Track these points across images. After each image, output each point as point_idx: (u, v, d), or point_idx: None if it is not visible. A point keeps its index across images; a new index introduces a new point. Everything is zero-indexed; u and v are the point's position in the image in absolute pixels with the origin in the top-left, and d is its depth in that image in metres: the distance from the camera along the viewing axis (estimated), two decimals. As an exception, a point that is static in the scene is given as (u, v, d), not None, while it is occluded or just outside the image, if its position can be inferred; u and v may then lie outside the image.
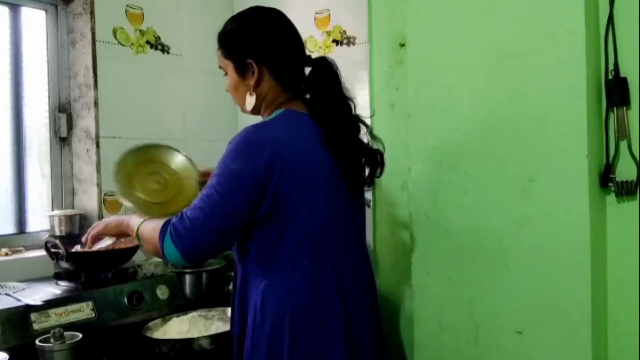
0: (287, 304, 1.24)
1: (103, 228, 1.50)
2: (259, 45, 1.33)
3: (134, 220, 1.39)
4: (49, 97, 1.98)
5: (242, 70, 1.35)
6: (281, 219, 1.24)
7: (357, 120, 1.37)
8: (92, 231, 1.51)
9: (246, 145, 1.23)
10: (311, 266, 1.26)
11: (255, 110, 1.40)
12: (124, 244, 1.66)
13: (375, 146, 1.42)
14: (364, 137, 1.41)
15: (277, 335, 1.23)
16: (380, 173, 1.41)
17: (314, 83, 1.36)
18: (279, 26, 1.37)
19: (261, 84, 1.34)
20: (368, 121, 1.43)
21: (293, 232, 1.25)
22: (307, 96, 1.38)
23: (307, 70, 1.39)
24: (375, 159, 1.39)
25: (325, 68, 1.36)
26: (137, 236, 1.35)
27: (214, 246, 1.23)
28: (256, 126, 1.27)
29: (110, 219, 1.51)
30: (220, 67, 1.41)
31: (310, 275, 1.26)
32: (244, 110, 1.42)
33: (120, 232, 1.46)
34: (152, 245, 1.28)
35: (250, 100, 1.36)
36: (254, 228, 1.26)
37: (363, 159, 1.38)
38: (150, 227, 1.31)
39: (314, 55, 1.40)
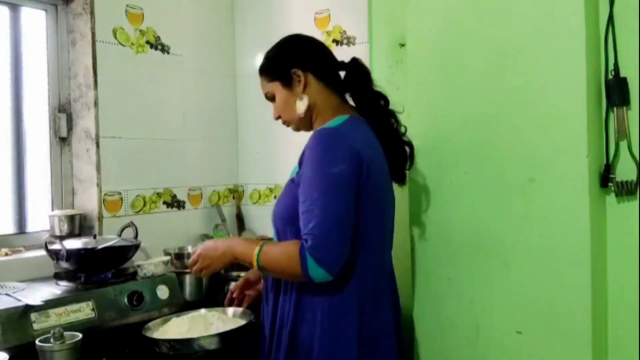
0: (352, 297, 1.36)
1: (215, 269, 1.50)
2: (299, 55, 1.46)
3: (244, 250, 1.41)
4: (49, 97, 1.98)
5: (288, 83, 1.45)
6: (359, 217, 1.34)
7: (394, 115, 1.52)
8: (200, 268, 1.50)
9: (338, 149, 1.32)
10: (373, 260, 1.41)
11: (306, 119, 1.47)
12: None
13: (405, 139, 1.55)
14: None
15: (344, 323, 1.34)
16: (411, 165, 1.56)
17: (355, 84, 1.50)
18: (310, 39, 1.52)
19: (308, 88, 1.44)
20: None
21: (362, 229, 1.35)
22: (348, 96, 1.51)
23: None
24: (412, 151, 1.54)
25: (362, 68, 1.50)
26: (260, 267, 1.37)
27: (348, 251, 1.30)
28: (335, 130, 1.36)
29: (208, 252, 1.48)
30: (267, 96, 1.51)
31: (372, 270, 1.41)
32: (298, 127, 1.50)
33: (226, 263, 1.48)
34: (288, 274, 1.34)
35: (301, 105, 1.44)
36: None
37: (406, 155, 1.53)
38: (277, 257, 1.35)
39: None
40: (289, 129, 1.55)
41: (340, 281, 1.34)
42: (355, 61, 1.51)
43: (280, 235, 1.44)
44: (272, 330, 1.44)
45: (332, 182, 1.29)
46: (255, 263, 1.37)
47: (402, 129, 1.54)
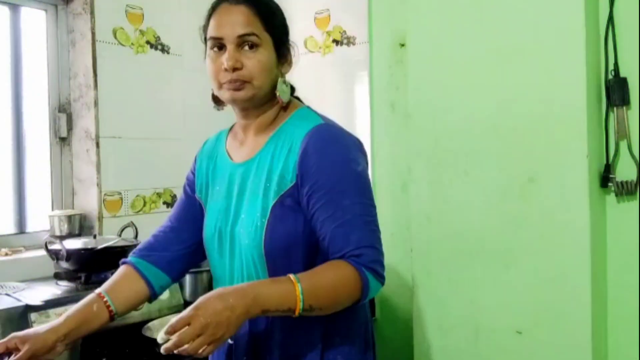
0: (364, 320, 1.18)
1: (225, 337, 0.96)
2: (288, 34, 1.18)
3: (276, 296, 0.98)
4: (49, 97, 1.98)
5: (281, 51, 1.14)
6: None
7: None
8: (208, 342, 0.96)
9: (351, 145, 1.11)
10: None
11: (268, 101, 1.15)
12: None
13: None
14: None
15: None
16: None
17: None
18: None
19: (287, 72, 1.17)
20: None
21: None
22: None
23: None
24: None
25: None
26: (305, 309, 0.98)
27: None
28: (335, 126, 1.13)
29: (218, 317, 0.94)
30: (244, 36, 1.09)
31: None
32: (251, 98, 1.13)
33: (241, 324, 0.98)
34: (342, 303, 1.04)
35: (287, 90, 1.15)
36: None
37: None
38: (330, 287, 1.02)
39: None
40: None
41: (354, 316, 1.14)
42: None
43: (278, 266, 1.08)
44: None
45: (359, 182, 1.08)
46: (300, 305, 0.98)
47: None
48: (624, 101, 1.45)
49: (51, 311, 1.44)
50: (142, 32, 2.11)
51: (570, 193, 1.43)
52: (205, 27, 1.17)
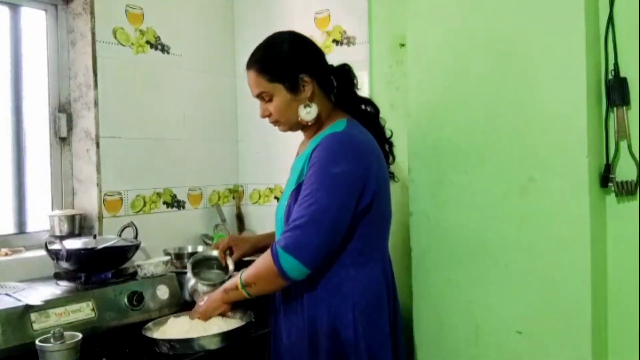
0: (382, 285, 1.42)
1: (207, 310, 1.48)
2: (305, 59, 1.44)
3: (229, 282, 1.45)
4: (49, 97, 1.98)
5: (294, 88, 1.42)
6: (372, 213, 1.38)
7: (380, 118, 1.57)
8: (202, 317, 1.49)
9: (345, 151, 1.34)
10: (387, 252, 1.50)
11: (300, 124, 1.47)
12: None
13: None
14: None
15: (378, 313, 1.40)
16: (393, 160, 1.61)
17: (344, 90, 1.52)
18: (307, 41, 1.50)
19: (314, 96, 1.43)
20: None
21: (377, 224, 1.42)
22: (334, 100, 1.52)
23: None
24: (391, 147, 1.60)
25: (351, 75, 1.52)
26: (242, 283, 1.40)
27: (330, 248, 1.33)
28: (345, 134, 1.38)
29: (207, 303, 1.48)
30: (260, 95, 1.45)
31: (388, 260, 1.50)
32: (290, 129, 1.49)
33: (222, 300, 1.46)
34: (267, 279, 1.36)
35: (310, 113, 1.43)
36: (353, 223, 1.37)
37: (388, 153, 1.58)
38: (255, 265, 1.39)
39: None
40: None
41: (370, 274, 1.40)
42: (346, 67, 1.53)
43: None
44: (300, 338, 1.42)
45: (328, 180, 1.31)
46: (239, 283, 1.40)
47: (388, 133, 1.59)
48: (624, 101, 1.45)
49: (51, 311, 1.44)
50: (142, 32, 2.11)
51: (570, 193, 1.43)
52: None
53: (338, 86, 1.52)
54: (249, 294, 1.41)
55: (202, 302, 1.50)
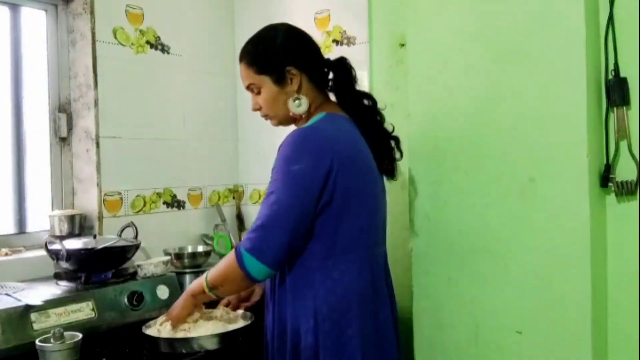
0: (353, 291, 1.34)
1: (180, 316, 1.46)
2: (294, 52, 1.41)
3: (194, 282, 1.45)
4: (49, 97, 1.98)
5: (280, 80, 1.41)
6: (339, 212, 1.32)
7: (380, 112, 1.51)
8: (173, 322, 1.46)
9: (304, 147, 1.31)
10: (368, 254, 1.39)
11: (292, 117, 1.45)
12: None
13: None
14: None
15: (346, 320, 1.32)
16: (401, 157, 1.55)
17: (340, 83, 1.48)
18: (301, 34, 1.47)
19: (302, 89, 1.42)
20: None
21: (349, 224, 1.34)
22: (332, 95, 1.49)
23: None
24: (398, 143, 1.53)
25: (347, 68, 1.48)
26: (209, 286, 1.39)
27: (292, 247, 1.30)
28: (309, 129, 1.35)
29: (175, 307, 1.48)
30: (249, 87, 1.46)
31: (369, 263, 1.39)
32: (280, 123, 1.48)
33: (193, 305, 1.46)
34: (233, 279, 1.34)
35: (300, 106, 1.41)
36: (314, 222, 1.33)
37: (393, 148, 1.52)
38: (218, 266, 1.38)
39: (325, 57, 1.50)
40: (289, 129, 1.54)
41: (337, 279, 1.33)
42: (342, 60, 1.49)
43: None
44: (272, 337, 1.42)
45: (287, 180, 1.30)
46: (204, 284, 1.39)
47: (390, 127, 1.53)
48: (624, 101, 1.45)
49: (51, 311, 1.44)
50: (142, 32, 2.11)
51: (570, 193, 1.43)
52: None
53: (335, 80, 1.48)
54: (217, 296, 1.43)
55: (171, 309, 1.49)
